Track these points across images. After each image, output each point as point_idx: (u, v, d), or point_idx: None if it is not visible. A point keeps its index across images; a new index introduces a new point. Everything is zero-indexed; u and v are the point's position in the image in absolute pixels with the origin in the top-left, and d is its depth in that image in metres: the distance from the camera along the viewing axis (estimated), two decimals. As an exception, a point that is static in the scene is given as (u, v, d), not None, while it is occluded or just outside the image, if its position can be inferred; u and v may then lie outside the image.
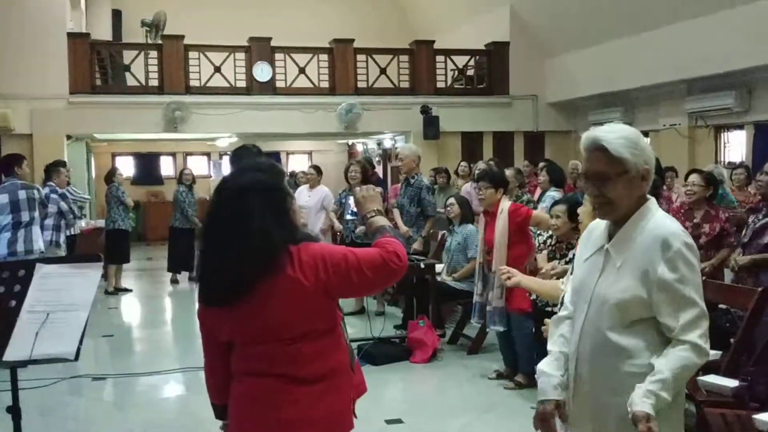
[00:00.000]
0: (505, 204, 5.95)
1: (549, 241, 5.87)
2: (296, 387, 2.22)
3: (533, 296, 5.41)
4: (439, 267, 7.48)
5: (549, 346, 2.51)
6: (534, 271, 5.75)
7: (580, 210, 4.37)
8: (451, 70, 14.72)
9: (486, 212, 6.14)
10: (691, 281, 2.21)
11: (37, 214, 6.97)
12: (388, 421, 5.22)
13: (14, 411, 2.97)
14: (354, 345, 6.71)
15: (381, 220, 2.47)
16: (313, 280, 2.18)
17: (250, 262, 2.14)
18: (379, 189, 2.70)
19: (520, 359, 5.94)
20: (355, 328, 8.02)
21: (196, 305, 2.43)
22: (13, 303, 2.93)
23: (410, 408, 5.62)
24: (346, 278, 2.22)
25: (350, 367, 2.40)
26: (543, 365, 2.45)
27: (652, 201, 2.35)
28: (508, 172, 7.94)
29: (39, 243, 6.94)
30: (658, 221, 2.28)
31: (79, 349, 2.83)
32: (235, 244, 2.16)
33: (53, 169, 8.68)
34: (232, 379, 2.33)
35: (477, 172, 8.28)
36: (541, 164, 9.12)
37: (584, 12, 12.05)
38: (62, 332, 2.84)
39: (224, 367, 2.35)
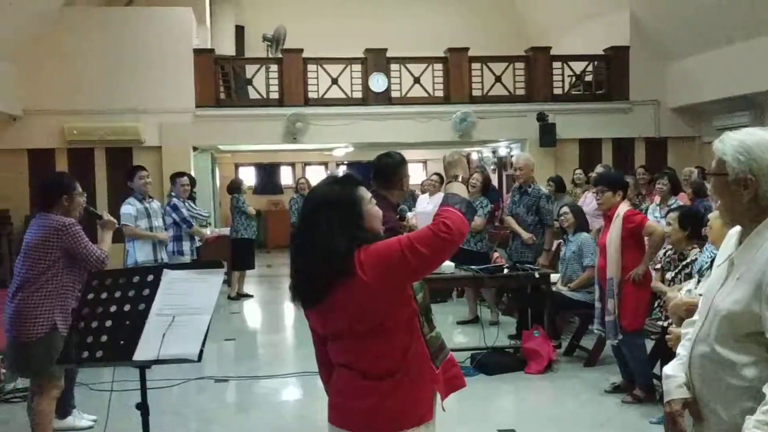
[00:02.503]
0: (622, 208, 5.78)
1: (669, 253, 5.70)
2: (370, 381, 2.39)
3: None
4: (554, 277, 7.35)
5: (677, 349, 2.46)
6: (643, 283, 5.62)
7: (710, 216, 4.27)
8: (569, 76, 14.44)
9: (605, 216, 5.98)
10: None
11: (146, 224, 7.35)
12: (501, 431, 5.18)
13: (143, 408, 3.14)
14: (466, 353, 6.77)
15: (454, 187, 2.53)
16: (375, 277, 2.29)
17: (317, 268, 2.35)
18: (465, 152, 2.76)
19: (636, 374, 5.77)
20: (468, 337, 8.03)
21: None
22: (143, 306, 3.11)
23: (523, 419, 5.56)
24: (404, 262, 2.29)
25: (431, 360, 2.49)
26: (668, 368, 2.42)
27: None
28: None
29: (149, 256, 7.32)
30: None
31: (201, 351, 2.97)
32: (307, 252, 2.39)
33: (173, 180, 9.13)
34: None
35: (593, 176, 8.08)
36: (659, 173, 8.85)
37: (708, 14, 11.56)
38: (186, 334, 2.99)
39: (325, 357, 2.60)
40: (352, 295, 2.31)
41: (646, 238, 5.85)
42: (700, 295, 3.85)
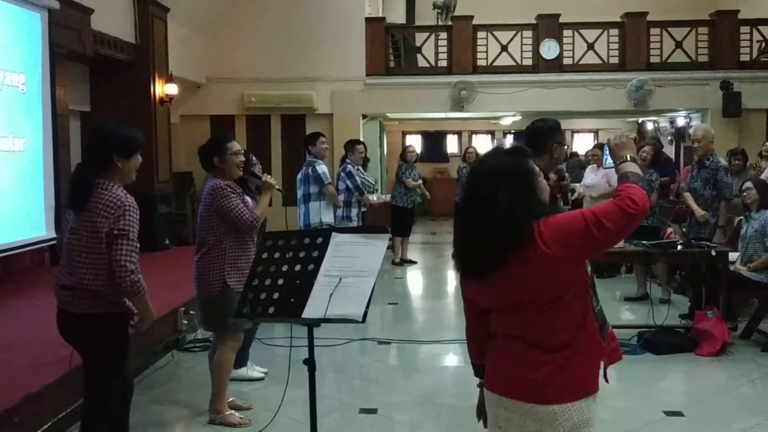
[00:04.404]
0: None
1: None
2: (544, 353, 2.38)
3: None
4: (733, 255, 6.93)
5: None
6: None
7: None
8: (758, 41, 13.43)
9: None
10: None
11: (313, 189, 7.68)
12: (667, 413, 4.98)
13: (310, 363, 3.29)
14: (634, 331, 6.55)
15: (629, 166, 2.51)
16: (556, 249, 2.28)
17: (497, 238, 2.31)
18: (633, 135, 2.68)
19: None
20: (636, 314, 7.76)
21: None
22: (312, 266, 3.23)
23: (692, 402, 5.31)
24: (588, 236, 2.29)
25: (600, 334, 2.51)
26: None
27: None
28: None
29: (315, 218, 7.65)
30: None
31: (366, 312, 3.04)
32: (484, 223, 2.34)
33: (349, 146, 9.34)
34: (491, 339, 2.54)
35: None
36: None
37: None
38: (352, 296, 3.08)
39: (483, 330, 2.58)
40: (531, 267, 2.30)
41: None
42: None
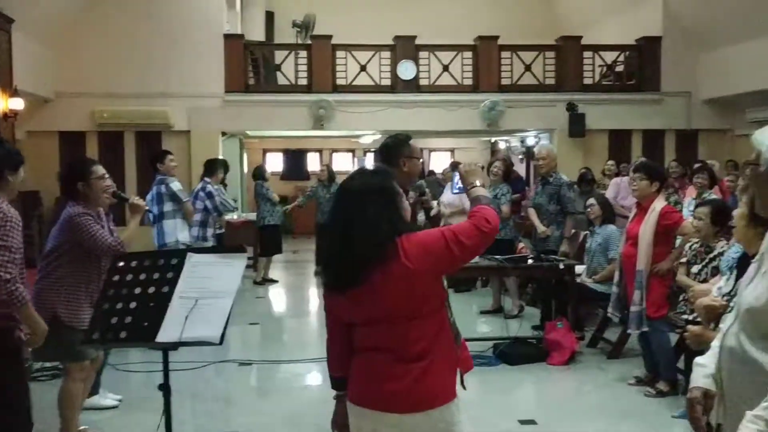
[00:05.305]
0: (659, 204, 5.71)
1: (695, 246, 5.66)
2: (405, 363, 2.49)
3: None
4: (579, 268, 7.32)
5: (713, 342, 2.44)
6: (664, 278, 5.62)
7: (735, 213, 4.21)
8: (599, 66, 14.31)
9: (638, 204, 5.93)
10: None
11: (168, 207, 7.47)
12: (522, 422, 5.18)
13: (166, 389, 3.19)
14: (490, 343, 6.78)
15: (479, 191, 2.79)
16: (419, 264, 2.44)
17: (364, 253, 2.43)
18: (480, 163, 3.03)
19: (660, 365, 5.73)
20: (491, 327, 8.02)
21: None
22: (167, 288, 3.14)
23: (544, 410, 5.55)
24: (448, 253, 2.49)
25: (455, 343, 2.67)
26: (700, 358, 2.40)
27: None
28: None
29: (171, 237, 7.43)
30: None
31: (223, 334, 3.00)
32: (352, 239, 2.46)
33: (210, 166, 9.20)
34: (354, 354, 2.64)
35: (634, 163, 7.93)
36: (697, 165, 8.76)
37: (741, 3, 11.38)
38: (209, 317, 3.02)
39: (345, 344, 2.67)
40: (394, 281, 2.44)
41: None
42: (727, 293, 3.82)
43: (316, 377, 6.52)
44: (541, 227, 7.68)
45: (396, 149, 3.80)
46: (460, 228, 2.54)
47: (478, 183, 2.82)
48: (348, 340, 2.65)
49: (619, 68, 14.41)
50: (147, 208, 4.86)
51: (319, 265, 11.55)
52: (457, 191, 3.24)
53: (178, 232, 7.48)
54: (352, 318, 2.61)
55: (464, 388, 2.71)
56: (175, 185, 7.52)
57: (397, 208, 2.55)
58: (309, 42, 14.12)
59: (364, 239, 2.43)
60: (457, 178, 3.07)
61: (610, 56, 14.25)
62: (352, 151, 19.94)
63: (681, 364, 5.65)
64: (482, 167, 2.89)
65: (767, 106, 12.15)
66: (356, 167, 19.07)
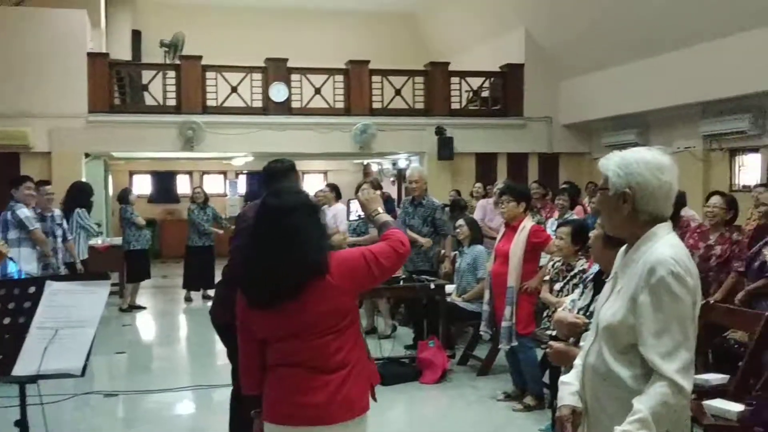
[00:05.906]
0: (528, 223, 6.03)
1: (557, 264, 5.91)
2: (321, 375, 2.59)
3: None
4: (449, 288, 7.48)
5: (575, 360, 2.54)
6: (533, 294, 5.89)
7: (591, 234, 4.42)
8: (466, 91, 14.78)
9: (507, 224, 6.17)
10: (672, 312, 2.15)
11: (13, 235, 7.07)
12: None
13: (22, 425, 3.02)
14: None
15: (384, 217, 2.94)
16: (342, 281, 2.58)
17: (299, 269, 2.53)
18: (378, 192, 3.25)
19: (528, 381, 5.95)
20: (365, 348, 8.05)
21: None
22: (23, 319, 2.98)
23: (417, 429, 5.63)
24: (369, 273, 2.66)
25: (368, 356, 2.83)
26: (566, 376, 2.52)
27: (663, 226, 2.28)
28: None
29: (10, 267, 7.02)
30: (657, 247, 2.22)
31: (85, 365, 2.88)
32: (286, 255, 2.54)
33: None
34: (266, 370, 2.71)
35: (499, 187, 8.18)
36: (562, 186, 9.17)
37: (599, 34, 12.08)
38: (70, 348, 2.89)
39: (260, 361, 2.74)
40: (319, 296, 2.56)
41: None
42: (583, 307, 4.01)
43: (186, 406, 6.34)
44: (422, 239, 7.63)
45: (283, 174, 3.89)
46: (378, 249, 2.71)
47: (380, 209, 2.96)
48: (263, 357, 2.73)
49: (485, 94, 14.93)
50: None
51: (188, 288, 11.36)
52: (355, 218, 3.43)
53: (24, 262, 7.03)
54: (269, 334, 2.67)
55: (374, 399, 2.85)
56: (23, 212, 7.15)
57: (324, 225, 2.75)
58: (178, 62, 13.84)
59: (303, 255, 2.54)
60: (356, 205, 3.28)
61: (476, 82, 14.75)
62: (224, 173, 19.62)
63: (546, 379, 5.87)
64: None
65: (620, 131, 12.93)
66: (229, 189, 18.85)
